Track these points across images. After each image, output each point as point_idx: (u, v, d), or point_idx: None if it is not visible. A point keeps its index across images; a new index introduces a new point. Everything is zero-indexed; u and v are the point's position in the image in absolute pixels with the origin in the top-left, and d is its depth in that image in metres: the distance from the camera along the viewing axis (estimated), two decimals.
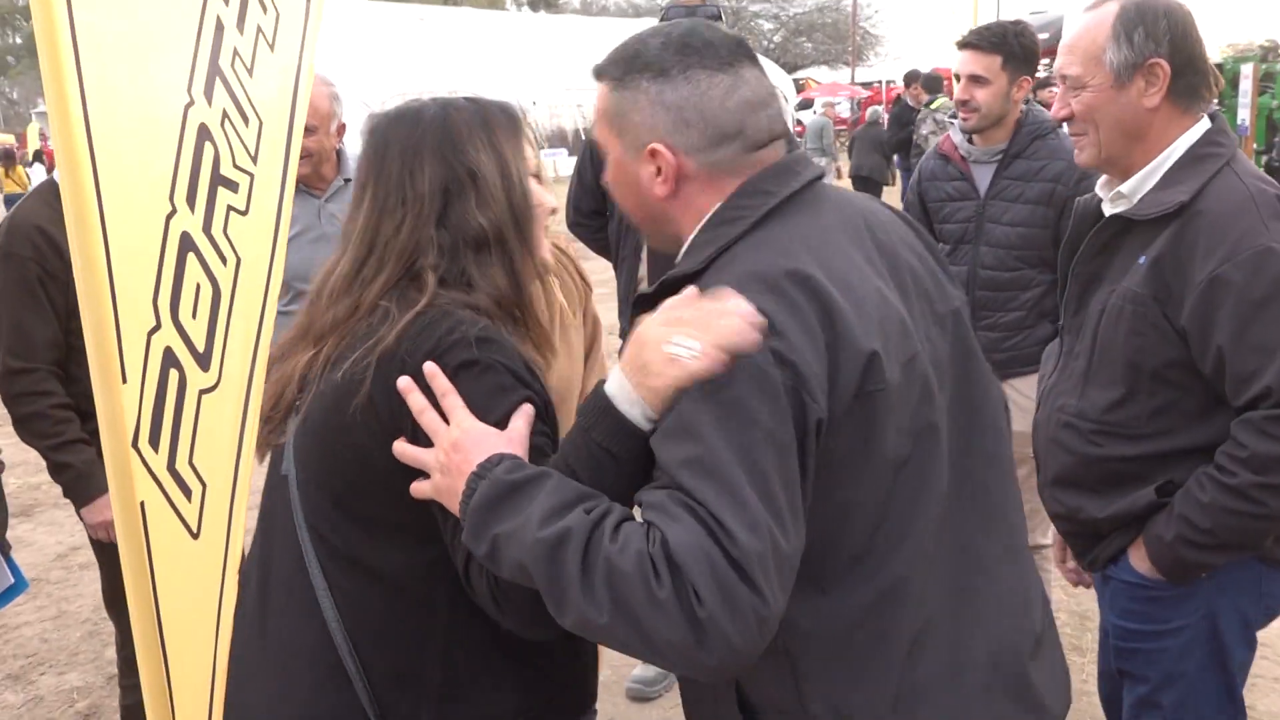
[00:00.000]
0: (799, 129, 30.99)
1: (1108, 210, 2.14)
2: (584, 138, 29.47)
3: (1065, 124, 2.16)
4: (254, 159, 1.30)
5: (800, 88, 40.09)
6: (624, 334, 3.71)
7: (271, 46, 1.36)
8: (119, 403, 1.05)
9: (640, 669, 3.73)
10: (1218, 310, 1.90)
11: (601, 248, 3.76)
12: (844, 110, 35.53)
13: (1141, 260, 2.01)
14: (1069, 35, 2.11)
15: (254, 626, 1.53)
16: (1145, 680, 2.17)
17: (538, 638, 1.47)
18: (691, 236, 1.45)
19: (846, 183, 14.79)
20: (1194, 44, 2.03)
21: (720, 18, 3.47)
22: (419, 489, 1.42)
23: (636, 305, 1.47)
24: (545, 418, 1.51)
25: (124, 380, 1.05)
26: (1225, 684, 2.14)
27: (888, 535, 1.37)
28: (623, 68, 1.45)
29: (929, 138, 10.11)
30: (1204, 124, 2.06)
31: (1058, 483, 2.19)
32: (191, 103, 1.20)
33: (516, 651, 1.54)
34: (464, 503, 1.32)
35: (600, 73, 1.49)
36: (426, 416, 1.40)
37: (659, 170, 1.43)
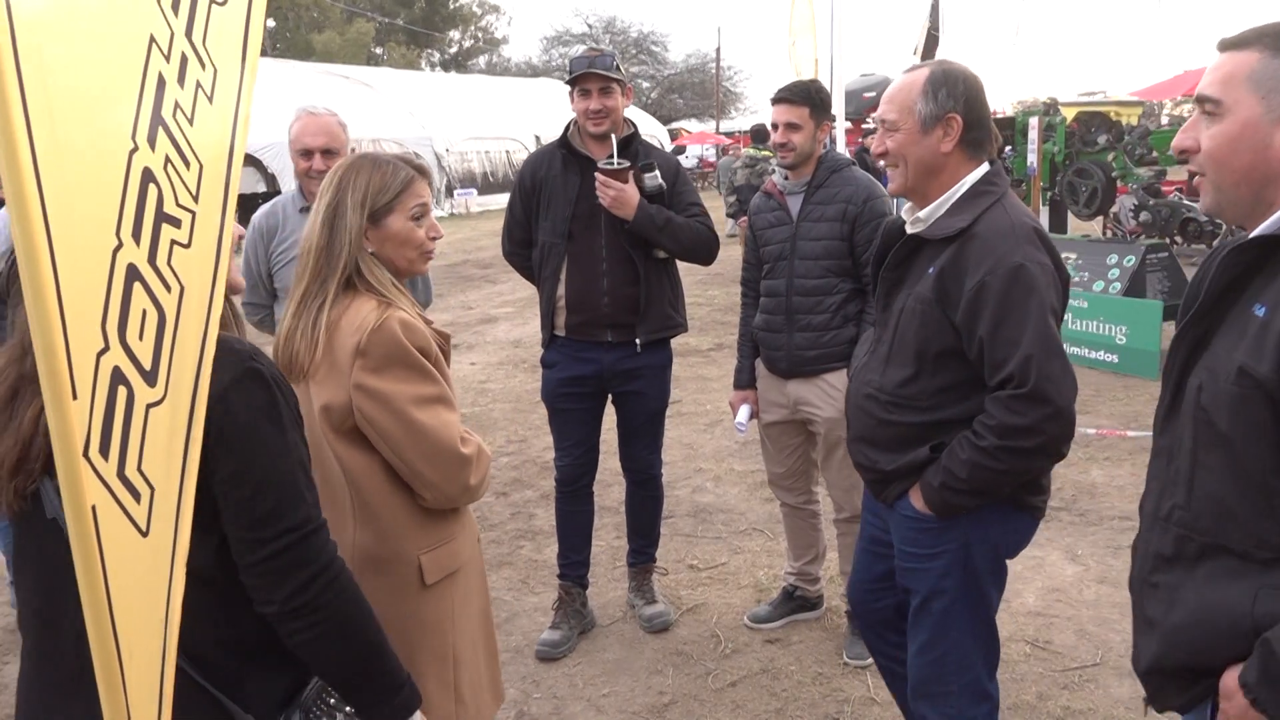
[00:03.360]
0: (709, 166, 31.46)
1: (909, 230, 2.29)
2: (513, 178, 29.02)
3: (883, 158, 2.29)
4: (195, 198, 1.27)
5: (674, 136, 40.59)
6: (545, 344, 3.68)
7: (210, 99, 1.31)
8: (70, 417, 1.01)
9: (547, 633, 3.70)
10: (981, 310, 2.09)
11: (528, 272, 3.76)
12: (710, 155, 36.01)
13: (930, 271, 2.18)
14: (891, 89, 2.27)
15: (70, 677, 1.34)
16: (919, 592, 2.35)
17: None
18: None
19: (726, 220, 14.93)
20: (982, 106, 2.22)
21: (619, 67, 3.49)
22: None
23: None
24: None
25: (74, 397, 1.02)
26: (978, 597, 2.32)
27: None
28: None
29: (739, 172, 11.31)
30: (985, 168, 2.24)
31: (861, 440, 2.39)
32: (136, 149, 1.16)
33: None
34: None
35: (1245, 42, 1.37)
36: None
37: None
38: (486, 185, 28.34)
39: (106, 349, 1.10)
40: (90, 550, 1.05)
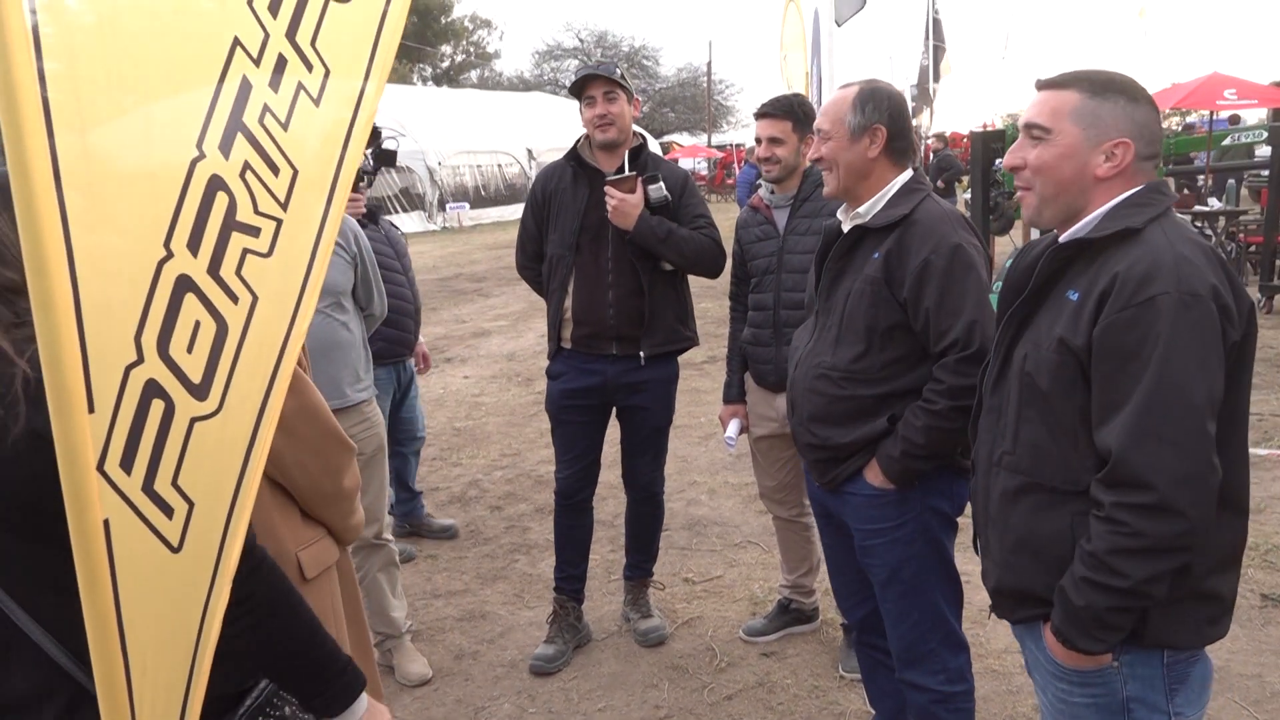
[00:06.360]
0: (700, 179, 31.47)
1: (846, 227, 2.52)
2: (505, 192, 28.38)
3: (818, 163, 2.54)
4: (283, 205, 1.22)
5: (666, 150, 40.69)
6: (551, 355, 3.69)
7: (316, 102, 1.27)
8: (83, 430, 1.00)
9: (542, 647, 3.69)
10: (926, 284, 2.35)
11: (539, 286, 3.76)
12: (702, 168, 36.13)
13: (876, 255, 2.43)
14: (826, 103, 2.56)
15: None
16: (887, 565, 2.52)
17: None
18: (1109, 207, 1.72)
19: None
20: (905, 119, 2.51)
21: (624, 77, 3.52)
22: None
23: (1057, 251, 1.74)
24: None
25: (91, 410, 1.00)
26: (941, 556, 2.53)
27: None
28: (1100, 86, 1.73)
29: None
30: (910, 172, 2.52)
31: (814, 419, 2.53)
32: (201, 157, 1.13)
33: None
34: None
35: (1069, 83, 1.75)
36: None
37: (1107, 157, 1.71)
38: (479, 199, 28.35)
39: (139, 362, 1.07)
40: (98, 564, 1.03)
